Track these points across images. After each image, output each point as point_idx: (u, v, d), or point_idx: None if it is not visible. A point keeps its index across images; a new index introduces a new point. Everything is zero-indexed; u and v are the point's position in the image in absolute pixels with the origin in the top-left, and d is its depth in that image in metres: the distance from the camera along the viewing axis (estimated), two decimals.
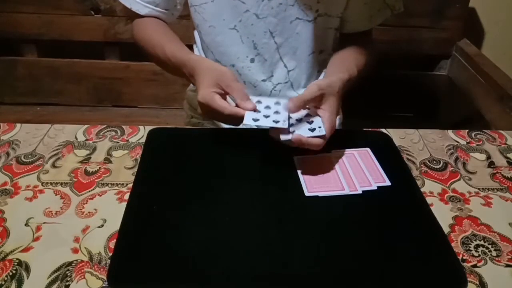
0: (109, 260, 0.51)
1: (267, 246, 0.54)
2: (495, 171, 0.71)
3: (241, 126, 0.68)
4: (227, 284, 0.50)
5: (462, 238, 0.57)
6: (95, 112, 1.52)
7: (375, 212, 0.60)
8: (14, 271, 0.50)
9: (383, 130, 0.79)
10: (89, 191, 0.62)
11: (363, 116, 1.16)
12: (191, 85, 1.01)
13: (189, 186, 0.63)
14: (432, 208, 0.61)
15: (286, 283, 0.50)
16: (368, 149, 0.72)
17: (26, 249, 0.53)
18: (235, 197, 0.61)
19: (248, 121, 0.61)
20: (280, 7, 0.76)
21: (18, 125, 0.77)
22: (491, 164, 0.72)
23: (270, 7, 0.76)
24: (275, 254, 0.53)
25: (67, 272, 0.50)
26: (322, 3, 0.77)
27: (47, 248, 0.53)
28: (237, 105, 0.64)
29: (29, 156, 0.69)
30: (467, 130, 0.82)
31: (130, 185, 0.63)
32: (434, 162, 0.72)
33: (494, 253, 0.55)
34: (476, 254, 0.55)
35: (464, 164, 0.72)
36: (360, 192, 0.63)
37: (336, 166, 0.67)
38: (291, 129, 0.63)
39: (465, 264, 0.53)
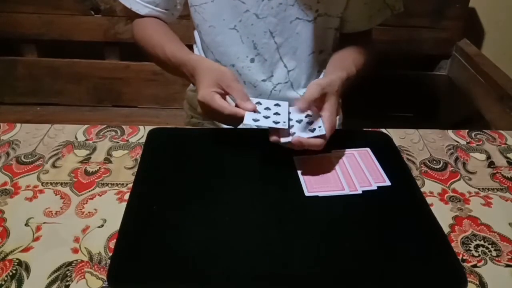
0: (109, 260, 0.51)
1: (267, 246, 0.54)
2: (495, 171, 0.71)
3: (240, 126, 0.68)
4: (227, 284, 0.50)
5: (462, 238, 0.57)
6: (95, 112, 1.52)
7: (375, 212, 0.60)
8: (14, 271, 0.50)
9: (383, 130, 0.79)
10: (89, 191, 0.62)
11: (363, 116, 1.16)
12: (191, 85, 1.01)
13: (189, 186, 0.63)
14: (432, 208, 0.61)
15: (286, 283, 0.50)
16: (368, 149, 0.72)
17: (26, 249, 0.53)
18: (235, 197, 0.61)
19: (248, 121, 0.61)
20: (280, 7, 0.76)
21: (18, 125, 0.77)
22: (491, 164, 0.72)
23: (270, 7, 0.76)
24: (275, 254, 0.53)
25: (67, 272, 0.50)
26: (322, 3, 0.77)
27: (47, 248, 0.53)
28: (237, 106, 0.64)
29: (29, 156, 0.69)
30: (467, 130, 0.82)
31: (130, 185, 0.63)
32: (434, 162, 0.72)
33: (494, 253, 0.55)
34: (476, 254, 0.55)
35: (464, 164, 0.72)
36: (360, 192, 0.63)
37: (336, 166, 0.67)
38: (291, 130, 0.63)
39: (465, 264, 0.53)
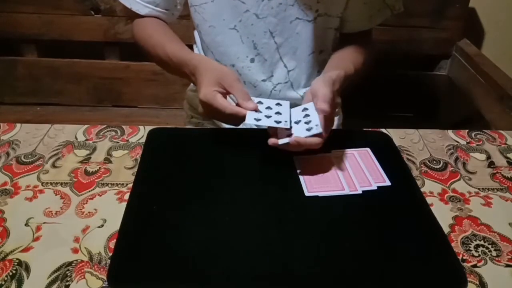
0: (109, 260, 0.51)
1: (267, 246, 0.54)
2: (495, 171, 0.71)
3: (241, 126, 0.68)
4: (227, 284, 0.50)
5: (462, 238, 0.57)
6: (95, 112, 1.52)
7: (375, 212, 0.60)
8: (14, 271, 0.50)
9: (383, 130, 0.79)
10: (89, 191, 0.62)
11: (363, 116, 1.16)
12: (191, 85, 1.01)
13: (189, 186, 0.63)
14: (432, 208, 0.61)
15: (286, 283, 0.50)
16: (368, 149, 0.72)
17: (26, 249, 0.53)
18: (235, 197, 0.61)
19: (250, 121, 0.61)
20: (280, 7, 0.76)
21: (18, 125, 0.77)
22: (491, 164, 0.72)
23: (270, 7, 0.76)
24: (275, 254, 0.53)
25: (67, 272, 0.50)
26: (322, 3, 0.77)
27: (47, 248, 0.53)
28: (238, 105, 0.64)
29: (29, 156, 0.69)
30: (467, 130, 0.82)
31: (130, 185, 0.63)
32: (434, 162, 0.72)
33: (494, 253, 0.55)
34: (476, 254, 0.55)
35: (464, 164, 0.72)
36: (360, 192, 0.63)
37: (336, 166, 0.67)
38: (288, 131, 0.63)
39: (465, 264, 0.53)
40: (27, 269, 0.50)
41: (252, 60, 0.82)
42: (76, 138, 0.74)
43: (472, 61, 1.34)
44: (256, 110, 0.63)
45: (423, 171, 0.70)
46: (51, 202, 0.60)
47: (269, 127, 0.65)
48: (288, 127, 0.62)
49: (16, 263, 0.51)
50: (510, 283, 0.52)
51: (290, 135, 0.62)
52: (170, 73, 0.84)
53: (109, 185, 0.64)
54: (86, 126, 0.77)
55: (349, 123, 1.01)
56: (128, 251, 0.53)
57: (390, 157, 0.71)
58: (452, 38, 1.43)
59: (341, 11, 0.81)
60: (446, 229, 0.58)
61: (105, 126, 0.78)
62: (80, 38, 1.42)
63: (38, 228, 0.56)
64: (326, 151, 0.69)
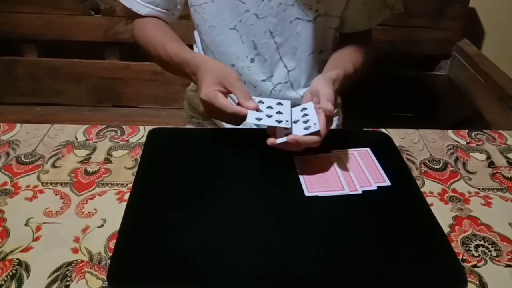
0: (109, 260, 0.51)
1: (267, 246, 0.54)
2: (495, 171, 0.71)
3: (241, 126, 0.68)
4: (227, 284, 0.50)
5: (462, 238, 0.57)
6: (95, 112, 1.52)
7: (375, 212, 0.60)
8: (14, 271, 0.50)
9: (383, 130, 0.79)
10: (89, 191, 0.62)
11: (363, 116, 1.16)
12: (191, 85, 1.01)
13: (189, 186, 0.63)
14: (432, 208, 0.61)
15: (286, 283, 0.50)
16: (368, 149, 0.72)
17: (26, 249, 0.53)
18: (235, 197, 0.61)
19: (251, 120, 0.61)
20: (280, 7, 0.76)
21: (18, 125, 0.77)
22: (491, 164, 0.72)
23: (270, 7, 0.76)
24: (275, 254, 0.53)
25: (67, 272, 0.50)
26: (322, 3, 0.77)
27: (47, 248, 0.53)
28: (239, 105, 0.64)
29: (29, 156, 0.69)
30: (467, 130, 0.82)
31: (130, 185, 0.63)
32: (434, 162, 0.72)
33: (494, 253, 0.55)
34: (476, 254, 0.55)
35: (464, 164, 0.72)
36: (360, 192, 0.63)
37: (336, 166, 0.67)
38: (287, 131, 0.63)
39: (465, 264, 0.53)
40: (27, 269, 0.50)
41: (252, 60, 0.82)
42: (76, 138, 0.74)
43: (472, 61, 1.34)
44: (257, 110, 0.63)
45: (423, 171, 0.70)
46: (51, 202, 0.60)
47: (268, 127, 0.65)
48: (289, 126, 0.62)
49: (16, 263, 0.51)
50: (510, 283, 0.52)
51: (288, 134, 0.62)
52: (170, 73, 0.84)
53: (109, 185, 0.64)
54: (86, 126, 0.77)
55: (349, 123, 1.01)
56: (128, 251, 0.53)
57: (390, 157, 0.71)
58: (452, 38, 1.43)
59: (341, 11, 0.81)
60: (446, 229, 0.58)
61: (105, 126, 0.78)
62: (80, 38, 1.42)
63: (38, 228, 0.56)
64: (326, 151, 0.70)
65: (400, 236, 0.56)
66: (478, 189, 0.66)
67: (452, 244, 0.56)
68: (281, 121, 0.62)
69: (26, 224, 0.56)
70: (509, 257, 0.55)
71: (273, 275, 0.50)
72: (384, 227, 0.58)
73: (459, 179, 0.68)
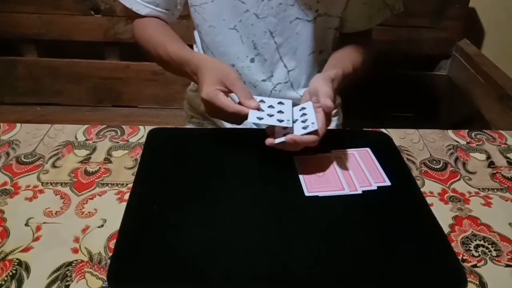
0: (109, 260, 0.51)
1: (267, 246, 0.54)
2: (495, 171, 0.71)
3: (242, 125, 0.68)
4: (227, 284, 0.50)
5: (462, 238, 0.57)
6: (95, 112, 1.52)
7: (375, 212, 0.60)
8: (14, 271, 0.50)
9: (383, 130, 0.79)
10: (89, 191, 0.62)
11: (363, 116, 1.16)
12: (191, 85, 1.01)
13: (189, 186, 0.63)
14: (432, 208, 0.61)
15: (286, 283, 0.50)
16: (368, 149, 0.72)
17: (26, 249, 0.53)
18: (235, 197, 0.61)
19: (252, 120, 0.61)
20: (280, 7, 0.76)
21: (18, 125, 0.77)
22: (491, 164, 0.72)
23: (270, 7, 0.76)
24: (275, 254, 0.53)
25: (67, 272, 0.50)
26: (322, 3, 0.77)
27: (47, 248, 0.53)
28: (240, 104, 0.64)
29: (29, 156, 0.69)
30: (467, 130, 0.82)
31: (130, 185, 0.63)
32: (434, 162, 0.72)
33: (494, 253, 0.55)
34: (476, 254, 0.55)
35: (464, 164, 0.72)
36: (360, 192, 0.63)
37: (336, 166, 0.67)
38: (285, 131, 0.63)
39: (465, 264, 0.53)
40: (27, 269, 0.50)
41: (252, 60, 0.82)
42: (76, 138, 0.74)
43: (472, 61, 1.34)
44: (259, 109, 0.63)
45: (423, 171, 0.70)
46: (51, 202, 0.60)
47: (267, 127, 0.65)
48: (291, 125, 0.62)
49: (16, 263, 0.51)
50: (510, 283, 0.52)
51: (287, 134, 0.62)
52: (171, 73, 0.84)
53: (109, 185, 0.64)
54: (86, 126, 0.77)
55: (349, 123, 1.01)
56: (128, 251, 0.53)
57: (390, 157, 0.71)
58: (452, 38, 1.43)
59: (341, 11, 0.81)
60: (446, 229, 0.58)
61: (105, 126, 0.78)
62: (80, 38, 1.42)
63: (38, 228, 0.56)
64: (326, 151, 0.70)
65: (400, 236, 0.56)
66: (478, 189, 0.66)
67: (452, 244, 0.56)
68: (282, 120, 0.62)
69: (26, 224, 0.56)
70: (509, 257, 0.55)
71: (273, 275, 0.50)
72: (384, 227, 0.58)
73: (459, 179, 0.68)
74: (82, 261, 0.51)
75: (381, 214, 0.60)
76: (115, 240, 0.54)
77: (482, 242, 0.57)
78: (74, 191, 0.62)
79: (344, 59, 0.77)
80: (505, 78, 1.20)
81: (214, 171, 0.66)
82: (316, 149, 0.64)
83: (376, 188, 0.64)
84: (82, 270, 0.50)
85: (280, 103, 0.66)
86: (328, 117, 0.63)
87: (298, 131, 0.62)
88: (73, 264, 0.51)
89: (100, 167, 0.67)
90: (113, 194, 0.62)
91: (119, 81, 1.49)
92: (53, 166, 0.67)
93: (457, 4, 1.37)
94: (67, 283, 0.49)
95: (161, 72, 1.43)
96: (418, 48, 1.44)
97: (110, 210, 0.59)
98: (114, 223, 0.56)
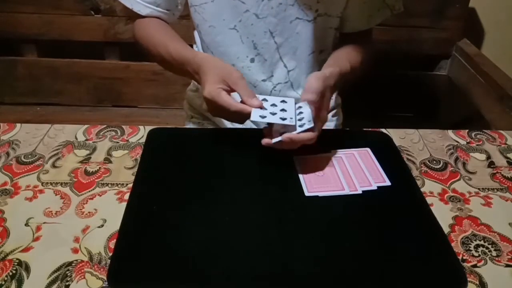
0: (109, 260, 0.51)
1: (267, 246, 0.54)
2: (495, 171, 0.71)
3: (242, 126, 0.68)
4: (227, 284, 0.50)
5: (462, 238, 0.57)
6: (95, 112, 1.52)
7: (375, 212, 0.60)
8: (14, 271, 0.50)
9: (383, 130, 0.79)
10: (89, 191, 0.62)
11: (363, 116, 1.16)
12: (191, 85, 1.01)
13: (189, 186, 0.63)
14: (432, 208, 0.61)
15: (286, 283, 0.50)
16: (368, 149, 0.72)
17: (26, 249, 0.53)
18: (235, 197, 0.61)
19: (255, 118, 0.61)
20: (280, 7, 0.76)
21: (18, 125, 0.77)
22: (491, 164, 0.72)
23: (270, 7, 0.76)
24: (275, 254, 0.53)
25: (67, 272, 0.50)
26: (322, 3, 0.77)
27: (47, 248, 0.53)
28: (242, 103, 0.64)
29: (29, 156, 0.69)
30: (467, 130, 0.82)
31: (130, 185, 0.63)
32: (434, 162, 0.72)
33: (494, 253, 0.55)
34: (476, 254, 0.55)
35: (464, 164, 0.72)
36: (360, 192, 0.63)
37: (336, 166, 0.67)
38: (282, 129, 0.63)
39: (465, 264, 0.53)
40: (27, 269, 0.50)
41: (252, 60, 0.82)
42: (76, 138, 0.74)
43: (472, 61, 1.34)
44: (261, 107, 0.63)
45: (423, 171, 0.70)
46: (51, 202, 0.60)
47: (264, 127, 0.65)
48: (294, 123, 0.62)
49: (16, 263, 0.51)
50: (510, 283, 0.52)
51: (284, 133, 0.62)
52: (172, 73, 0.84)
53: (109, 185, 0.64)
54: (86, 126, 0.77)
55: (349, 123, 1.01)
56: (128, 251, 0.53)
57: (390, 157, 0.71)
58: (452, 38, 1.43)
59: (341, 10, 0.81)
60: (446, 229, 0.58)
61: (105, 126, 0.78)
62: (80, 38, 1.42)
63: (38, 228, 0.56)
64: (326, 151, 0.70)
65: (400, 236, 0.56)
66: (478, 189, 0.66)
67: (452, 244, 0.56)
68: (285, 119, 0.62)
69: (26, 224, 0.56)
70: (509, 257, 0.55)
71: (273, 275, 0.50)
72: (384, 227, 0.58)
73: (459, 179, 0.68)
74: (82, 261, 0.51)
75: (381, 214, 0.60)
76: (115, 240, 0.54)
77: (482, 242, 0.57)
78: (74, 191, 0.62)
79: (342, 58, 0.77)
80: (505, 78, 1.20)
81: (214, 171, 0.66)
82: (316, 149, 0.64)
83: (376, 188, 0.64)
84: (82, 270, 0.50)
85: (283, 101, 0.66)
86: (323, 113, 0.63)
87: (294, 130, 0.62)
88: (73, 264, 0.51)
89: (100, 167, 0.67)
90: (113, 194, 0.62)
91: (119, 81, 1.49)
92: (53, 166, 0.67)
93: (457, 4, 1.37)
94: (67, 283, 0.49)
95: (161, 72, 1.43)
96: (418, 48, 1.44)
97: (110, 210, 0.59)
98: (114, 223, 0.56)
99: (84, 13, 1.38)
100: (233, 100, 0.63)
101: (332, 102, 0.96)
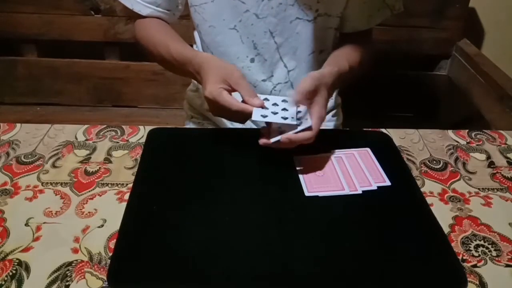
0: (109, 260, 0.51)
1: (267, 246, 0.54)
2: (495, 171, 0.71)
3: (242, 126, 0.68)
4: (227, 284, 0.50)
5: (462, 238, 0.57)
6: (95, 112, 1.52)
7: (375, 212, 0.60)
8: (14, 271, 0.50)
9: (383, 130, 0.79)
10: (89, 191, 0.62)
11: (363, 116, 1.16)
12: (191, 85, 1.01)
13: (189, 186, 0.63)
14: (432, 208, 0.61)
15: (286, 283, 0.50)
16: (368, 149, 0.72)
17: (26, 249, 0.53)
18: (235, 197, 0.61)
19: (257, 118, 0.61)
20: (280, 7, 0.76)
21: (18, 125, 0.77)
22: (491, 164, 0.72)
23: (270, 7, 0.76)
24: (275, 254, 0.53)
25: (67, 272, 0.50)
26: (322, 2, 0.77)
27: (47, 248, 0.53)
28: (244, 102, 0.64)
29: (29, 156, 0.69)
30: (467, 130, 0.82)
31: (130, 185, 0.63)
32: (434, 162, 0.72)
33: (494, 253, 0.55)
34: (476, 254, 0.55)
35: (464, 164, 0.72)
36: (360, 192, 0.63)
37: (336, 166, 0.67)
38: (280, 129, 0.63)
39: (465, 264, 0.53)
40: (27, 269, 0.50)
41: (252, 60, 0.82)
42: (76, 138, 0.74)
43: (472, 61, 1.34)
44: (263, 107, 0.63)
45: (423, 171, 0.70)
46: (51, 202, 0.60)
47: (262, 127, 0.65)
48: (295, 123, 0.62)
49: (16, 263, 0.51)
50: (510, 283, 0.52)
51: (283, 133, 0.62)
52: (173, 73, 0.84)
53: (109, 185, 0.64)
54: (86, 126, 0.77)
55: (349, 123, 1.01)
56: (128, 251, 0.53)
57: (390, 157, 0.71)
58: (452, 38, 1.43)
59: (341, 10, 0.81)
60: (446, 229, 0.58)
61: (105, 126, 0.78)
62: (80, 38, 1.42)
63: (38, 228, 0.56)
64: (326, 151, 0.70)
65: (400, 236, 0.56)
66: (478, 189, 0.66)
67: (452, 244, 0.56)
68: (286, 118, 0.62)
69: (26, 224, 0.56)
70: (509, 257, 0.55)
71: (273, 275, 0.50)
72: (384, 227, 0.58)
73: (459, 179, 0.68)
74: (82, 261, 0.51)
75: (381, 214, 0.60)
76: (115, 240, 0.54)
77: (482, 242, 0.57)
78: (74, 191, 0.62)
79: (342, 58, 0.77)
80: (505, 78, 1.20)
81: (214, 171, 0.66)
82: (316, 149, 0.64)
83: (376, 188, 0.64)
84: (82, 270, 0.50)
85: (284, 100, 0.66)
86: (322, 113, 0.63)
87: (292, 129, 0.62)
88: (73, 264, 0.51)
89: (100, 167, 0.67)
90: (113, 194, 0.62)
91: (119, 81, 1.49)
92: (53, 166, 0.67)
93: (457, 4, 1.37)
94: (67, 283, 0.49)
95: (161, 72, 1.43)
96: (418, 48, 1.44)
97: (110, 210, 0.59)
98: (114, 223, 0.56)
99: (84, 13, 1.38)
100: (234, 100, 0.63)
101: (332, 102, 0.96)
